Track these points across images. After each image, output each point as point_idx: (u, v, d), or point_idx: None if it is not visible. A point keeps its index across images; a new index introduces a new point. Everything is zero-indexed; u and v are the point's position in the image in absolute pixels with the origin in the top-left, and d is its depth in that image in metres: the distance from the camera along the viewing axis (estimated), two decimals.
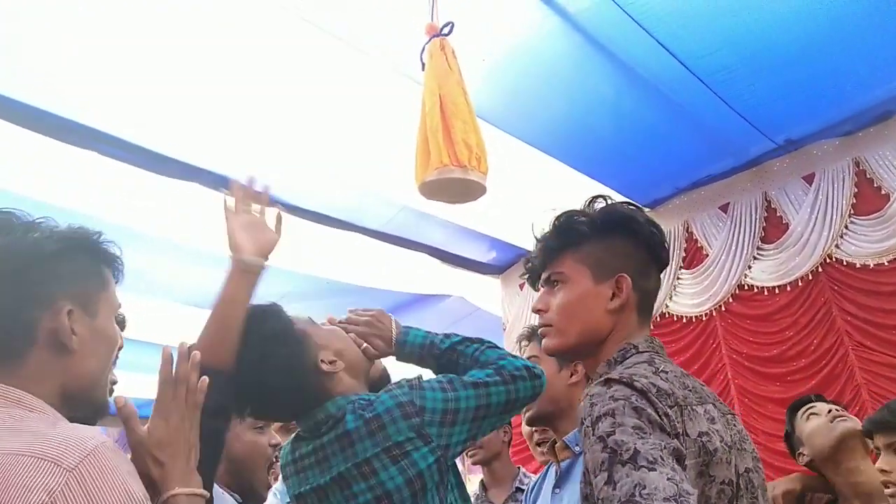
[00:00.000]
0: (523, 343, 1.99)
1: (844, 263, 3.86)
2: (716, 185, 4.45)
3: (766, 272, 4.17)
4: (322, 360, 1.44)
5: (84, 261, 1.08)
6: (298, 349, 1.42)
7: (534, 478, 2.21)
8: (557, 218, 1.32)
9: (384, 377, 1.72)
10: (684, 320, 4.49)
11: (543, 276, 1.33)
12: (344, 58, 2.94)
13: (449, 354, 1.53)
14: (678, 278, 4.54)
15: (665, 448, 0.94)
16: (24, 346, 0.98)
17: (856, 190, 3.88)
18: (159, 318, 4.84)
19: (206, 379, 1.14)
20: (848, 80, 3.49)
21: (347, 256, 4.67)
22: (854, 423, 1.95)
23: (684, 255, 4.57)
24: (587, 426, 1.01)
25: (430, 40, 2.21)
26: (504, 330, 5.37)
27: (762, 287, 4.18)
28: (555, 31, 2.95)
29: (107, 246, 1.13)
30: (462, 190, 2.16)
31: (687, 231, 4.57)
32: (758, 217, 4.25)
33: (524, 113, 3.47)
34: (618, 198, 1.35)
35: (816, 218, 3.98)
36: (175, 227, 4.00)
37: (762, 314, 4.16)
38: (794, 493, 1.99)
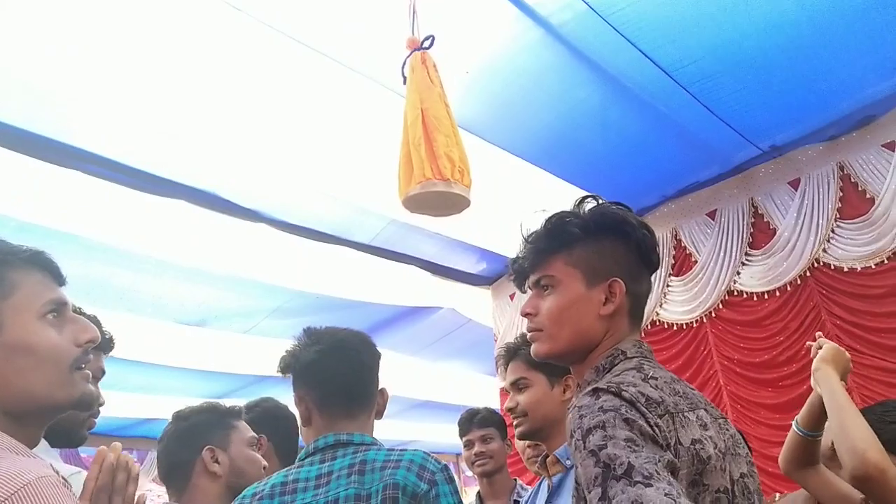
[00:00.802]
0: (501, 367, 1.94)
1: (832, 267, 3.88)
2: (703, 192, 4.47)
3: (755, 278, 4.19)
4: None
5: None
6: None
7: (530, 489, 2.19)
8: (548, 219, 1.27)
9: None
10: (675, 327, 4.50)
11: (532, 278, 1.28)
12: (328, 73, 2.94)
13: None
14: (668, 285, 4.55)
15: (659, 461, 0.92)
16: None
17: (841, 194, 3.91)
18: (146, 337, 4.80)
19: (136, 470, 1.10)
20: (830, 86, 3.52)
21: (337, 271, 4.65)
22: None
23: (673, 262, 4.58)
24: (577, 439, 0.98)
25: (410, 54, 2.21)
26: (495, 340, 5.37)
27: (751, 293, 4.20)
28: (538, 43, 2.96)
29: (3, 246, 1.02)
30: (446, 203, 2.16)
31: (675, 238, 4.59)
32: (745, 223, 4.27)
33: (511, 124, 3.48)
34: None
35: (803, 223, 4.00)
36: (161, 245, 3.97)
37: (752, 320, 4.18)
38: None
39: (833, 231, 3.90)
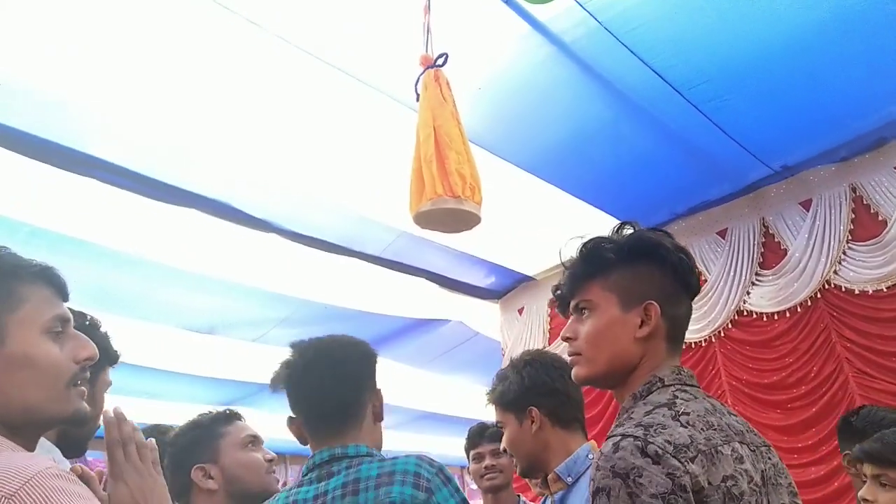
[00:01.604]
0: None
1: (843, 289, 3.85)
2: (713, 210, 4.45)
3: (765, 298, 4.16)
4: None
5: None
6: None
7: None
8: (584, 245, 1.30)
9: None
10: (683, 346, 4.45)
11: (572, 303, 1.30)
12: (342, 86, 2.97)
13: None
14: None
15: None
16: None
17: (853, 216, 3.89)
18: (158, 344, 4.84)
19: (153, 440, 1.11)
20: (843, 107, 3.52)
21: (347, 282, 4.66)
22: None
23: None
24: (591, 490, 1.03)
25: (424, 72, 2.22)
26: (503, 354, 5.35)
27: (761, 313, 4.17)
28: (550, 59, 2.98)
29: (13, 259, 1.03)
30: (456, 219, 2.16)
31: None
32: (756, 243, 4.25)
33: (522, 139, 3.49)
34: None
35: (814, 244, 3.98)
36: (173, 253, 4.00)
37: (761, 340, 4.14)
38: None
39: (844, 253, 3.87)
